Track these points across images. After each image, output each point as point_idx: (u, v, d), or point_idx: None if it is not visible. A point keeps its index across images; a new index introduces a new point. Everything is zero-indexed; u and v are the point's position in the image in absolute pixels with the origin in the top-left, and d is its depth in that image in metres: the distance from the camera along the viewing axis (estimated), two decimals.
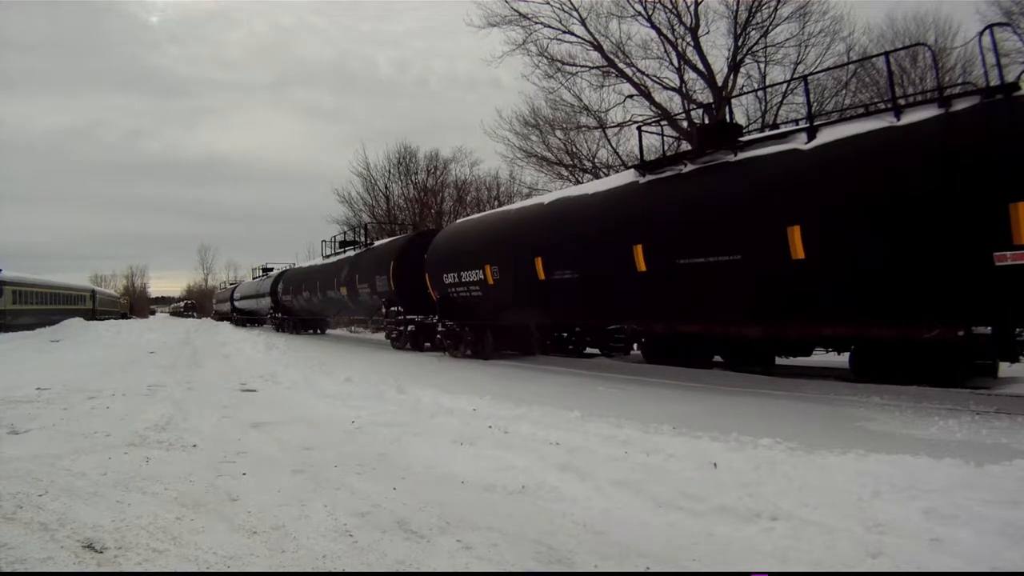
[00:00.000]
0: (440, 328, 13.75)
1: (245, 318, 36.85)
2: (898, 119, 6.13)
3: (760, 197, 7.05)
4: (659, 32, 19.71)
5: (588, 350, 12.92)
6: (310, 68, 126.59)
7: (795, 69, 18.37)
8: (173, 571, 2.71)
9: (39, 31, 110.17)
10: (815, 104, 16.04)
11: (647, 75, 20.33)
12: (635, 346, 12.39)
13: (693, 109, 18.37)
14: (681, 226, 7.95)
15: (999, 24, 9.57)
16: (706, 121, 12.86)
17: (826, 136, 6.67)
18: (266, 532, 3.10)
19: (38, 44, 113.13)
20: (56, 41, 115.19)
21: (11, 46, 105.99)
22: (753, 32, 18.97)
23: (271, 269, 33.28)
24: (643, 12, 19.50)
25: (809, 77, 10.08)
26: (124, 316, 50.86)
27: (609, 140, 21.94)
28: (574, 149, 22.92)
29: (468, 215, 19.61)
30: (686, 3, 19.13)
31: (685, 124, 18.06)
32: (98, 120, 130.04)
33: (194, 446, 5.02)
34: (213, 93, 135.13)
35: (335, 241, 22.12)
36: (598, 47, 20.19)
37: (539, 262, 10.08)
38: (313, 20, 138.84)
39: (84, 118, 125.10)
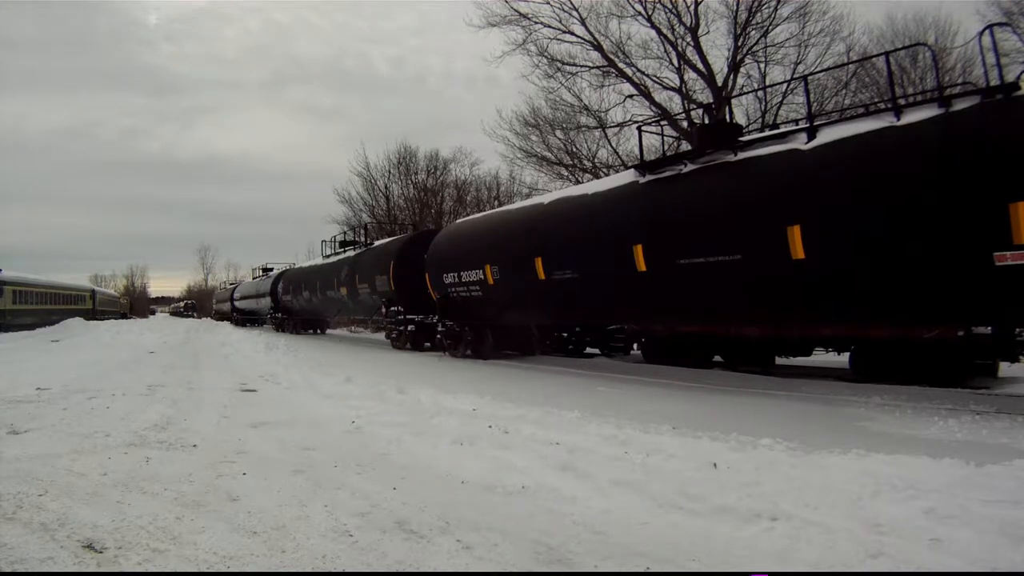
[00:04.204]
0: (440, 328, 13.75)
1: (245, 318, 36.89)
2: (898, 119, 6.13)
3: (760, 197, 7.05)
4: (659, 32, 19.76)
5: (588, 350, 12.92)
6: (306, 66, 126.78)
7: (795, 69, 18.41)
8: (173, 571, 2.70)
9: (31, 29, 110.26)
10: (815, 104, 16.06)
11: (647, 75, 20.39)
12: (635, 346, 12.41)
13: (693, 109, 18.37)
14: (681, 226, 7.94)
15: (999, 24, 9.57)
16: (706, 121, 12.84)
17: (826, 136, 6.67)
18: (266, 532, 3.10)
19: (31, 42, 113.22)
20: (48, 39, 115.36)
21: (4, 44, 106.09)
22: (753, 32, 19.02)
23: (271, 269, 33.34)
24: (643, 12, 19.57)
25: (809, 77, 10.07)
26: (124, 316, 50.90)
27: (609, 140, 22.00)
28: (574, 149, 22.97)
29: (468, 215, 19.61)
30: (686, 3, 19.18)
31: (685, 124, 18.05)
32: (95, 119, 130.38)
33: (194, 446, 5.02)
34: (209, 91, 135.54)
35: (335, 241, 22.14)
36: (598, 47, 20.22)
37: (539, 262, 10.08)
38: (308, 17, 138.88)
39: (80, 117, 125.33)
